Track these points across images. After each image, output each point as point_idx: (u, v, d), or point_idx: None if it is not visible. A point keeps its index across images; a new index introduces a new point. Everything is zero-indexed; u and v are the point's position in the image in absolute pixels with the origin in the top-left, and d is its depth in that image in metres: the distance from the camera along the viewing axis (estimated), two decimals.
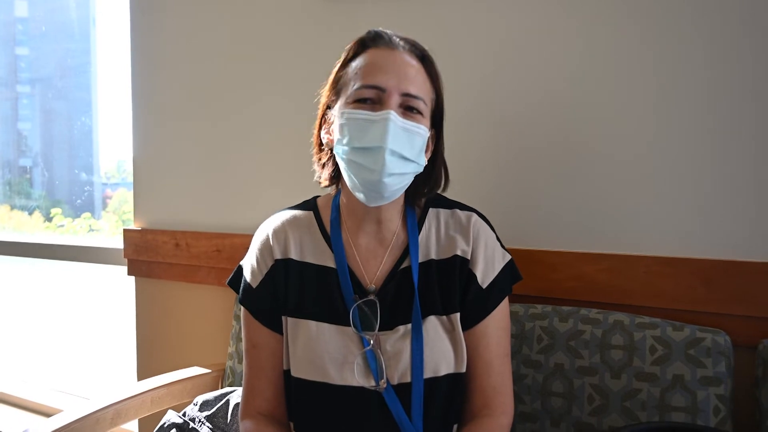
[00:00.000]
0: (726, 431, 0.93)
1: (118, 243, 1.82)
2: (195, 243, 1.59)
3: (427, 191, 0.94)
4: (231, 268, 1.03)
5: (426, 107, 0.87)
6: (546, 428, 1.03)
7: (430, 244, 0.93)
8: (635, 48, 1.08)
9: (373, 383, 0.86)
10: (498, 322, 0.92)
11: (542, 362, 1.05)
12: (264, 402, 0.94)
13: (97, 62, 2.32)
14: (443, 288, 0.90)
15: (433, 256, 0.92)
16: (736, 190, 1.02)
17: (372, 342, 0.87)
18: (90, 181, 2.33)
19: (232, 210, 1.57)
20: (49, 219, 2.38)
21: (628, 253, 1.09)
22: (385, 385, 0.86)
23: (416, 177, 0.89)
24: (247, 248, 1.00)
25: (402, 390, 0.86)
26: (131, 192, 1.76)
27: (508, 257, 0.96)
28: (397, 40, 0.88)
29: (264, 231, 0.98)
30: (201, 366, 1.45)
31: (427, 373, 0.86)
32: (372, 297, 0.90)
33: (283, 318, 0.93)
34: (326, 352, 0.88)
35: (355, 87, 0.85)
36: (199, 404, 1.13)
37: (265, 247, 0.96)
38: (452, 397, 0.89)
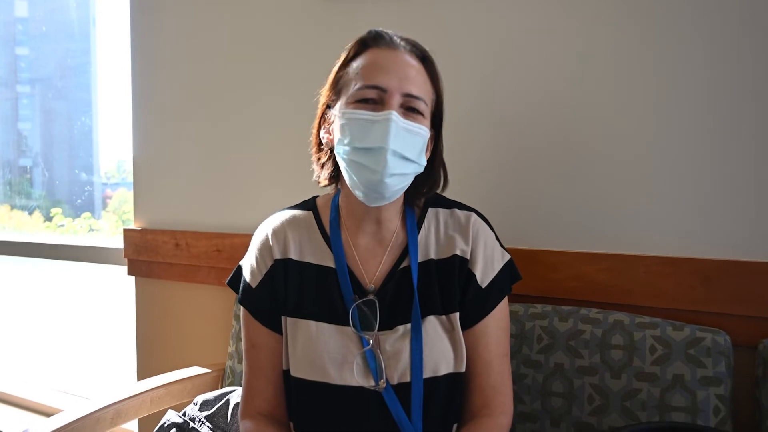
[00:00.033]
0: (726, 431, 0.93)
1: (118, 243, 1.82)
2: (195, 243, 1.59)
3: (426, 191, 0.94)
4: (231, 268, 1.03)
5: (427, 108, 0.87)
6: (546, 428, 1.03)
7: (430, 244, 0.93)
8: (635, 48, 1.08)
9: (372, 383, 0.86)
10: (497, 322, 0.92)
11: (542, 362, 1.05)
12: (264, 402, 0.94)
13: (97, 62, 2.32)
14: (443, 288, 0.90)
15: (433, 255, 0.92)
16: (736, 190, 1.02)
17: (371, 342, 0.87)
18: (90, 181, 2.34)
19: (232, 210, 1.57)
20: (49, 219, 2.38)
21: (628, 253, 1.09)
22: (384, 385, 0.86)
23: (416, 177, 0.89)
24: (247, 248, 1.00)
25: (401, 390, 0.86)
26: (131, 192, 1.76)
27: (508, 257, 0.96)
28: (398, 40, 0.88)
29: (263, 231, 0.98)
30: (201, 366, 1.45)
31: (427, 373, 0.86)
32: (371, 297, 0.90)
33: (283, 318, 0.93)
34: (326, 352, 0.88)
35: (357, 87, 0.85)
36: (199, 404, 1.13)
37: (265, 247, 0.96)
38: (452, 396, 0.89)
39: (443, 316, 0.90)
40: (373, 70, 0.84)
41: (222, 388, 1.30)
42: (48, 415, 1.93)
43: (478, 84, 1.22)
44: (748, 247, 1.01)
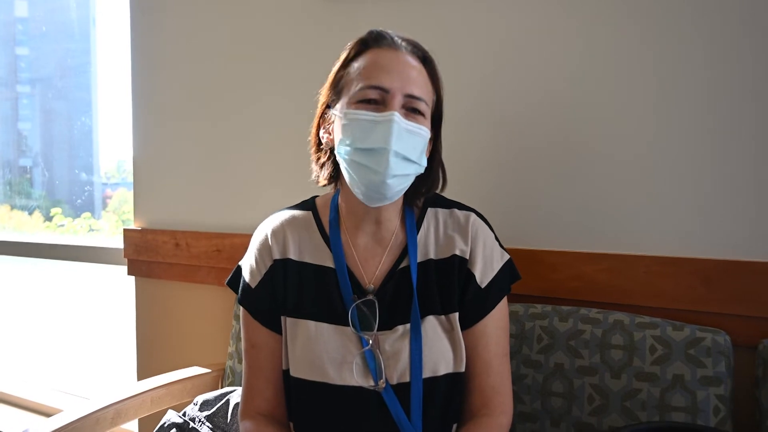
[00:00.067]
0: (726, 431, 0.93)
1: (118, 243, 1.82)
2: (195, 243, 1.59)
3: (425, 191, 0.94)
4: (231, 268, 1.03)
5: (427, 108, 0.87)
6: (546, 428, 1.03)
7: (429, 244, 0.93)
8: (635, 48, 1.08)
9: (372, 383, 0.86)
10: (497, 322, 0.92)
11: (542, 362, 1.05)
12: (263, 402, 0.94)
13: (97, 62, 2.32)
14: (442, 288, 0.90)
15: (432, 255, 0.92)
16: (736, 190, 1.02)
17: (371, 342, 0.87)
18: (90, 181, 2.34)
19: (232, 210, 1.57)
20: (49, 219, 2.38)
21: (628, 253, 1.09)
22: (384, 385, 0.86)
23: (415, 177, 0.89)
24: (247, 248, 1.00)
25: (401, 390, 0.86)
26: (131, 192, 1.76)
27: (507, 257, 0.96)
28: (400, 41, 0.88)
29: (263, 231, 0.98)
30: (201, 366, 1.45)
31: (426, 373, 0.86)
32: (371, 297, 0.90)
33: (282, 318, 0.93)
34: (325, 352, 0.88)
35: (358, 87, 0.84)
36: (199, 404, 1.13)
37: (264, 247, 0.96)
38: (451, 396, 0.89)
39: (442, 316, 0.90)
40: (374, 71, 0.84)
41: (222, 388, 1.30)
42: (48, 415, 1.93)
43: (478, 84, 1.22)
44: (748, 247, 1.01)
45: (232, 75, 1.55)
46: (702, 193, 1.04)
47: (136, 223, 1.74)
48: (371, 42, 0.88)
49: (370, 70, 0.85)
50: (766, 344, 0.96)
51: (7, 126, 2.52)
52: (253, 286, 0.95)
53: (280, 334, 0.93)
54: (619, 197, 1.11)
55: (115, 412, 1.19)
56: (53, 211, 2.37)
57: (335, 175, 0.94)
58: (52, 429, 1.07)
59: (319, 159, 0.95)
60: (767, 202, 1.00)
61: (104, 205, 2.32)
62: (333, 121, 0.90)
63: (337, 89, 0.89)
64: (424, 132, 0.86)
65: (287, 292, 0.93)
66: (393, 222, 0.94)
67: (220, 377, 1.44)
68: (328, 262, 0.92)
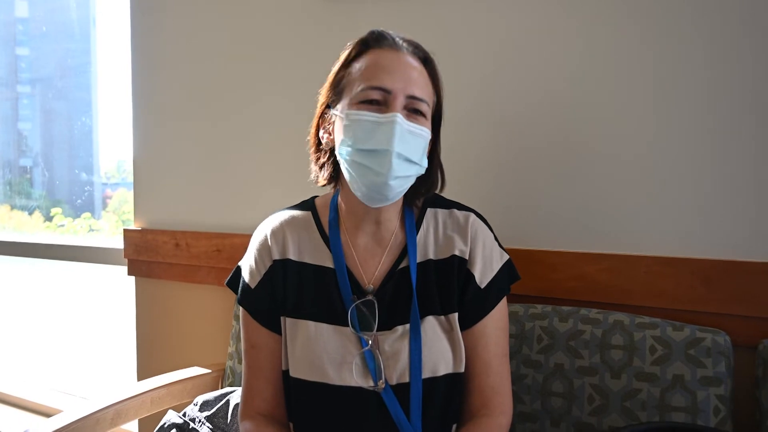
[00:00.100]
0: (726, 431, 0.93)
1: (118, 243, 1.82)
2: (195, 243, 1.59)
3: (424, 192, 0.94)
4: (231, 268, 1.03)
5: (428, 109, 0.87)
6: (546, 428, 1.03)
7: (428, 244, 0.93)
8: (635, 48, 1.08)
9: (371, 383, 0.86)
10: (496, 322, 0.92)
11: (542, 362, 1.05)
12: (263, 402, 0.94)
13: (97, 62, 2.32)
14: (441, 288, 0.90)
15: (432, 256, 0.92)
16: (736, 190, 1.02)
17: (370, 342, 0.87)
18: (90, 181, 2.34)
19: (232, 210, 1.57)
20: (49, 219, 2.38)
21: (628, 253, 1.09)
22: (383, 386, 0.85)
23: (415, 178, 0.89)
24: (247, 248, 1.00)
25: (400, 390, 0.86)
26: (131, 192, 1.77)
27: (506, 257, 0.96)
28: (401, 41, 0.88)
29: (262, 231, 0.98)
30: (201, 366, 1.45)
31: (426, 373, 0.86)
32: (370, 297, 0.90)
33: (282, 318, 0.93)
34: (325, 352, 0.88)
35: (360, 88, 0.84)
36: (199, 404, 1.13)
37: (264, 247, 0.96)
38: (451, 397, 0.89)
39: (442, 317, 0.89)
40: (376, 71, 0.84)
41: (222, 388, 1.30)
42: (48, 415, 1.93)
43: (478, 84, 1.22)
44: (748, 247, 1.01)
45: (232, 75, 1.55)
46: (702, 193, 1.04)
47: (136, 223, 1.74)
48: (372, 42, 0.88)
49: (372, 71, 0.84)
50: (766, 344, 0.96)
51: (7, 126, 2.52)
52: (252, 286, 0.95)
53: (280, 334, 0.93)
54: (619, 197, 1.11)
55: (115, 412, 1.19)
56: (53, 211, 2.38)
57: (335, 176, 0.94)
58: (52, 429, 1.07)
59: (318, 159, 0.95)
60: (767, 202, 1.00)
61: (104, 205, 2.32)
62: (333, 122, 0.90)
63: (338, 89, 0.89)
64: (426, 133, 0.86)
65: (287, 293, 0.93)
66: (393, 222, 0.94)
67: (220, 377, 1.44)
68: (328, 262, 0.92)
